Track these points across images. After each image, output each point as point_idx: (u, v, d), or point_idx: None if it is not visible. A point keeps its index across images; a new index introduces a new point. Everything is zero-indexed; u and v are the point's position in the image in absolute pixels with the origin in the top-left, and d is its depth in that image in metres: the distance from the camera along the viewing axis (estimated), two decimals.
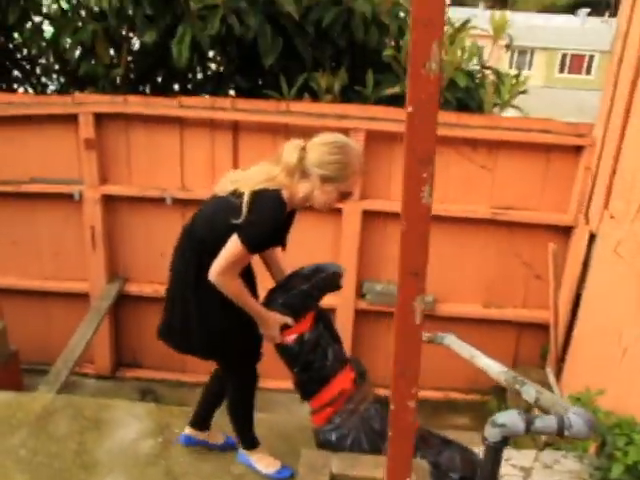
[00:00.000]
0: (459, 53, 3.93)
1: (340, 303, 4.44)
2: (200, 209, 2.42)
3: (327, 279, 2.61)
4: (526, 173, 4.20)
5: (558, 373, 4.22)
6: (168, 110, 4.11)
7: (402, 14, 4.33)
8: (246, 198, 2.22)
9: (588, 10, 42.67)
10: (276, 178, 2.27)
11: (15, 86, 4.75)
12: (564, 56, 36.95)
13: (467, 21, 4.15)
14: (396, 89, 4.09)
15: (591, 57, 37.69)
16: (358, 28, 3.95)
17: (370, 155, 4.10)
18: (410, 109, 0.87)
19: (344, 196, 2.33)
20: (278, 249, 2.50)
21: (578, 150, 4.07)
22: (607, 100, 3.82)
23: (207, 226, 2.32)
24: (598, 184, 3.86)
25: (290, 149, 2.27)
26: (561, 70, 36.96)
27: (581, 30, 37.52)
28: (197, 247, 2.33)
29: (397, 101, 4.11)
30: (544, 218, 4.24)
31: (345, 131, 4.01)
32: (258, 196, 2.23)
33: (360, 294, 4.50)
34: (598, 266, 3.80)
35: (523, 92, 4.47)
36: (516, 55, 32.82)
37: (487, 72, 4.47)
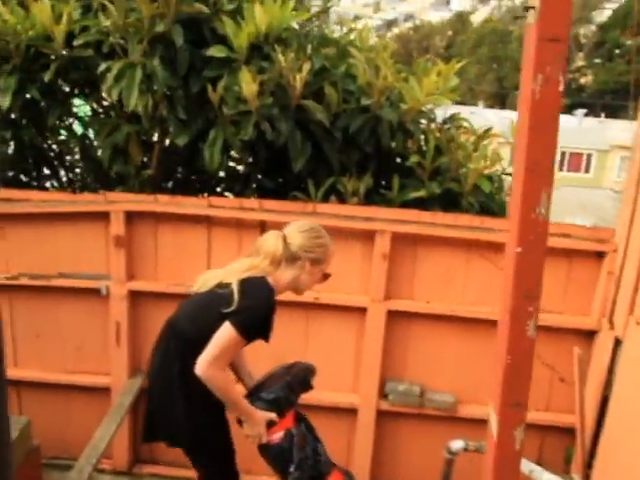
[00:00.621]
0: (483, 161, 4.06)
1: (362, 403, 4.42)
2: (182, 306, 2.45)
3: (306, 370, 2.64)
4: (548, 276, 4.22)
5: (585, 479, 4.15)
6: (197, 210, 4.22)
7: (424, 121, 4.50)
8: (235, 286, 2.27)
9: (585, 111, 44.03)
10: (259, 266, 2.36)
11: (47, 184, 4.88)
12: (563, 154, 37.87)
13: (489, 129, 4.31)
14: (420, 193, 4.20)
15: (589, 156, 38.56)
16: (384, 135, 4.10)
17: (395, 257, 4.18)
18: (519, 249, 0.93)
19: (325, 277, 2.45)
20: (245, 351, 2.52)
21: (600, 255, 4.14)
22: (629, 203, 3.92)
23: (193, 322, 2.35)
24: (622, 289, 3.91)
25: (271, 239, 2.39)
26: (560, 168, 37.80)
27: (579, 130, 38.62)
28: (182, 343, 2.34)
29: (421, 204, 4.23)
30: (567, 322, 4.27)
31: (371, 233, 4.12)
32: (247, 282, 2.30)
33: (382, 394, 4.47)
34: (625, 372, 3.80)
35: None
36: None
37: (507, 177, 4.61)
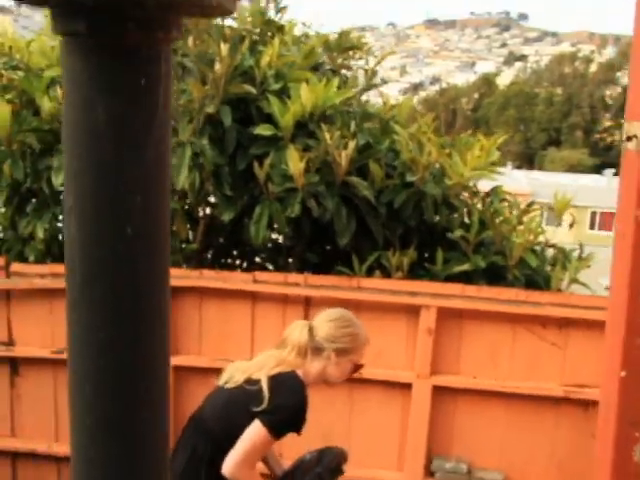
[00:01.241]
0: (527, 235, 4.05)
1: None
2: (208, 402, 2.39)
3: (337, 458, 2.57)
4: (598, 351, 4.17)
5: None
6: (242, 285, 4.24)
7: (465, 194, 4.52)
8: (265, 384, 2.21)
9: (614, 170, 43.95)
10: (287, 360, 2.30)
11: None
12: (594, 214, 37.60)
13: (532, 203, 4.31)
14: (465, 266, 4.19)
15: None
16: (428, 209, 4.12)
17: (441, 331, 4.14)
18: (623, 373, 0.91)
19: (357, 367, 2.37)
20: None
21: None
22: None
23: (221, 420, 2.28)
24: None
25: (297, 329, 2.33)
26: (592, 227, 37.46)
27: (608, 189, 38.40)
28: (210, 444, 2.26)
29: (466, 278, 4.20)
30: None
31: (416, 308, 4.10)
32: (277, 379, 2.24)
33: (429, 472, 4.36)
34: None
35: (588, 266, 4.55)
36: (545, 213, 33.54)
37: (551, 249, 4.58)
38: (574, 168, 49.23)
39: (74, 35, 0.71)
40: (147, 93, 0.74)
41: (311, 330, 2.34)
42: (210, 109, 3.87)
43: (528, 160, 53.50)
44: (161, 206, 0.79)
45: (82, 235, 0.76)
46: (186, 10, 0.72)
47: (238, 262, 4.91)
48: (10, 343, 4.54)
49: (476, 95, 67.35)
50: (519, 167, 46.73)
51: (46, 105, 4.16)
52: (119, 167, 0.74)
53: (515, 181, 32.22)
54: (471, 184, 4.33)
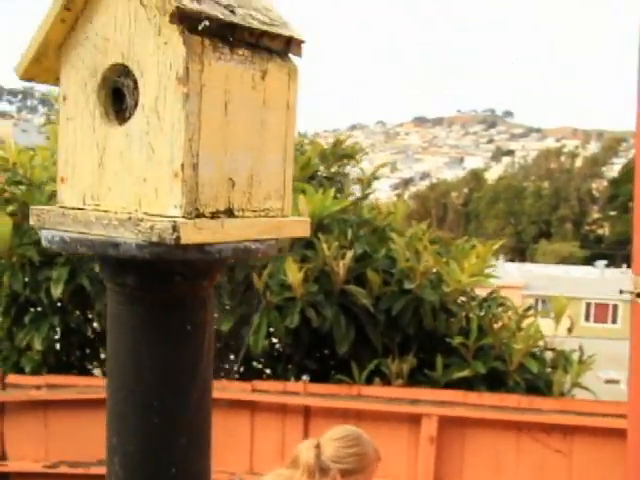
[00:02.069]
0: (527, 341, 4.05)
1: None
2: None
3: None
4: (604, 458, 4.10)
5: None
6: (241, 395, 4.19)
7: (463, 299, 4.55)
8: None
9: (605, 262, 44.24)
10: None
11: (89, 365, 4.91)
12: (588, 305, 37.57)
13: (529, 307, 4.33)
14: (465, 372, 4.16)
15: (615, 306, 38.15)
16: (427, 316, 4.13)
17: (443, 440, 4.06)
18: None
19: None
20: None
21: None
22: None
23: None
24: None
25: (305, 449, 2.29)
26: (587, 319, 37.35)
27: (602, 280, 38.61)
28: None
29: (466, 384, 4.18)
30: None
31: (418, 417, 4.04)
32: None
33: None
34: None
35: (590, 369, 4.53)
36: (540, 304, 33.53)
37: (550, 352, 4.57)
38: (566, 260, 49.63)
39: (122, 286, 0.73)
40: (192, 338, 0.75)
41: (318, 449, 2.31)
42: None
43: (520, 253, 53.99)
44: (204, 444, 0.79)
45: (126, 475, 0.75)
46: (232, 257, 0.74)
47: (235, 367, 4.87)
48: (3, 457, 4.43)
49: (466, 190, 68.65)
50: (511, 260, 47.08)
51: None
52: (163, 411, 0.74)
53: (508, 274, 32.34)
54: (468, 289, 4.37)
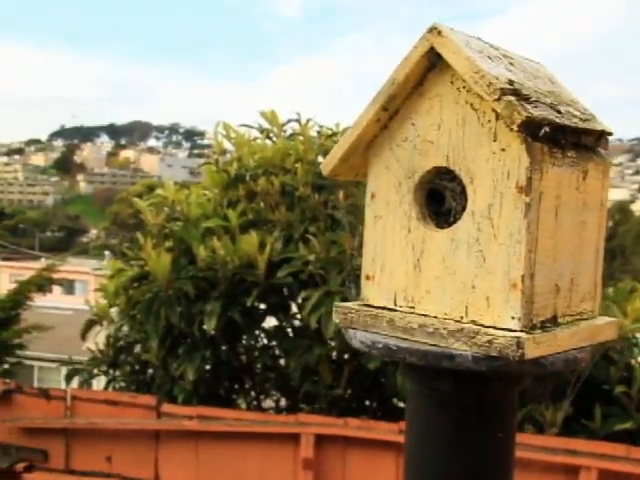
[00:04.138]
0: None
1: None
2: None
3: None
4: None
5: None
6: (388, 435, 4.14)
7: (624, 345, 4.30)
8: None
9: None
10: None
11: (238, 399, 5.02)
12: None
13: None
14: (627, 425, 3.92)
15: None
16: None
17: None
18: None
19: None
20: None
21: None
22: None
23: None
24: None
25: None
26: None
27: None
28: None
29: (629, 437, 3.93)
30: None
31: (575, 468, 3.84)
32: None
33: None
34: None
35: None
36: None
37: None
38: None
39: (434, 389, 0.72)
40: (503, 446, 0.73)
41: None
42: (359, 260, 3.95)
43: None
44: None
45: None
46: (562, 368, 0.70)
47: (381, 409, 4.83)
48: None
49: (610, 223, 65.32)
50: None
51: (202, 253, 4.38)
52: None
53: None
54: (630, 335, 4.14)
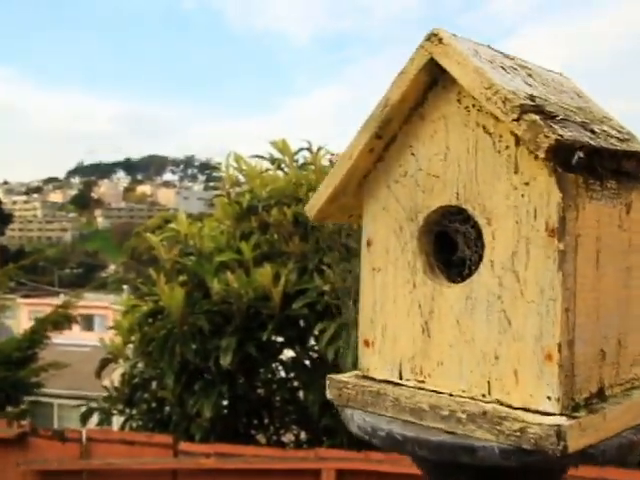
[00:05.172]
0: None
1: None
2: None
3: None
4: None
5: None
6: (411, 469, 3.94)
7: None
8: None
9: None
10: None
11: (256, 433, 4.87)
12: None
13: None
14: None
15: None
16: None
17: None
18: None
19: None
20: None
21: None
22: None
23: None
24: None
25: None
26: None
27: None
28: None
29: None
30: None
31: None
32: None
33: None
34: None
35: None
36: None
37: None
38: None
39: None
40: None
41: None
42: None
43: None
44: None
45: None
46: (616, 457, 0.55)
47: None
48: None
49: None
50: None
51: (216, 287, 4.26)
52: None
53: None
54: None
